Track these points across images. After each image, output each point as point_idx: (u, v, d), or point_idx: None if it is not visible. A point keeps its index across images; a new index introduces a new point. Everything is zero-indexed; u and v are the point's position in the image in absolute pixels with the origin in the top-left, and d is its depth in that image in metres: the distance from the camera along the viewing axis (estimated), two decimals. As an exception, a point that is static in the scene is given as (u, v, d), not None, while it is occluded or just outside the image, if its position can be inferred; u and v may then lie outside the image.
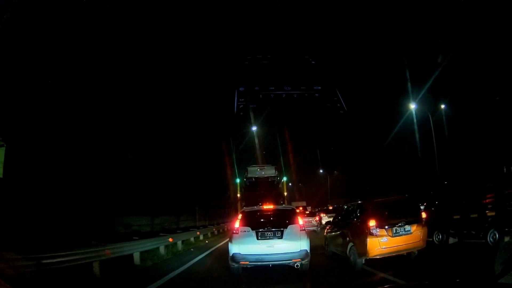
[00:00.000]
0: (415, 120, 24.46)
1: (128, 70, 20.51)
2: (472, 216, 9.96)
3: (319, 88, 64.04)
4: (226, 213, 33.63)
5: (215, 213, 31.93)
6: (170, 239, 13.14)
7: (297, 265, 7.58)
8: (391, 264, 7.79)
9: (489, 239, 9.21)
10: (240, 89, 61.31)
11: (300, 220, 8.11)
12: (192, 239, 17.16)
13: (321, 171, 52.21)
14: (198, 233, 18.44)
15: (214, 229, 23.23)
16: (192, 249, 14.04)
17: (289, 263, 7.61)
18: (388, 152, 36.14)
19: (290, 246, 7.58)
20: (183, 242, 15.19)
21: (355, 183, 44.44)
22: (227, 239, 16.43)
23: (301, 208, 25.45)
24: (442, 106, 24.32)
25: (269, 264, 7.74)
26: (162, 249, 12.33)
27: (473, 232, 9.79)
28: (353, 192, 40.84)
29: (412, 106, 23.93)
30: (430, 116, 23.16)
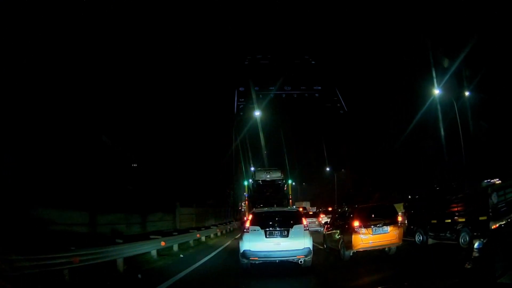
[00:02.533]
0: (439, 112, 22.41)
1: (129, 66, 20.91)
2: (446, 221, 11.73)
3: (319, 88, 66.16)
4: (224, 213, 30.56)
5: (210, 213, 26.91)
6: (74, 259, 7.23)
7: (300, 261, 8.45)
8: (386, 262, 9.65)
9: (461, 241, 10.85)
10: (240, 89, 63.09)
11: (304, 221, 8.87)
12: (153, 252, 11.04)
13: (327, 169, 51.99)
14: (163, 243, 11.69)
15: (198, 235, 16.12)
16: (139, 276, 8.34)
17: (293, 259, 8.44)
18: (389, 152, 37.35)
19: (295, 244, 8.33)
20: (128, 260, 9.20)
21: (359, 183, 45.51)
22: (218, 250, 13.81)
23: (300, 209, 24.56)
24: (467, 94, 22.00)
25: (275, 260, 8.52)
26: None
27: (448, 235, 11.53)
28: (357, 192, 41.49)
29: (436, 91, 21.46)
30: (455, 103, 21.07)
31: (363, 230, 9.61)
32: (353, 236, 9.57)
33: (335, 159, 50.12)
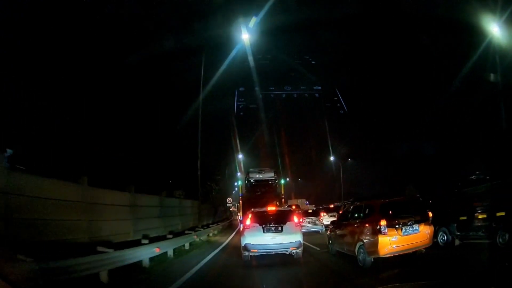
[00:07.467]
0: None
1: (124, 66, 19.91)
2: (480, 217, 9.77)
3: (319, 88, 64.56)
4: (200, 211, 22.71)
5: (172, 209, 17.44)
6: None
7: (293, 253, 9.60)
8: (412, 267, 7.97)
9: (499, 240, 8.99)
10: (240, 89, 61.77)
11: (295, 218, 10.14)
12: None
13: (332, 158, 49.31)
14: None
15: None
16: None
17: (287, 251, 9.60)
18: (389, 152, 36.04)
19: (288, 238, 9.57)
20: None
21: (358, 180, 44.01)
22: None
23: (294, 207, 22.53)
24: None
25: (272, 252, 9.67)
26: None
27: (481, 233, 9.68)
28: (357, 191, 39.96)
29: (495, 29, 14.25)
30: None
31: (391, 230, 7.74)
32: (379, 238, 7.65)
33: (337, 152, 48.44)
